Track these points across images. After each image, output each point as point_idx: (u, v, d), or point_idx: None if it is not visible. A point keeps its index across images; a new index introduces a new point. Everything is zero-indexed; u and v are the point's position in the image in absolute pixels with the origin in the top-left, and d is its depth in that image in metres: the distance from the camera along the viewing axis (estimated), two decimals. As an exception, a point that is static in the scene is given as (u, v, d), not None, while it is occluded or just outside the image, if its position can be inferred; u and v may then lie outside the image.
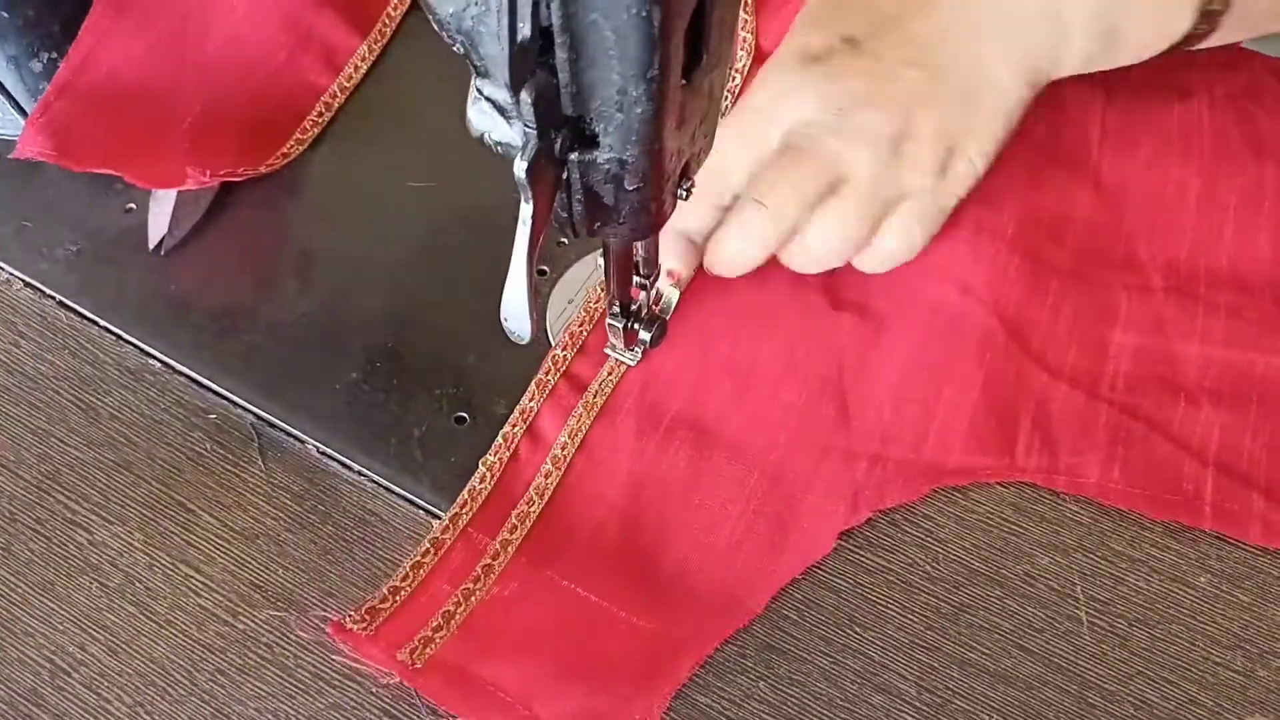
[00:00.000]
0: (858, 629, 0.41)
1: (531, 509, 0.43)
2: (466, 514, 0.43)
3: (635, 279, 0.43)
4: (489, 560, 0.42)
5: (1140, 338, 0.47)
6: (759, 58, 0.56)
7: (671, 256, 0.47)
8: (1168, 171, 0.51)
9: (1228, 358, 0.46)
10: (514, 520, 0.43)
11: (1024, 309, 0.47)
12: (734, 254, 0.46)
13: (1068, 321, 0.47)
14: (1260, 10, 0.47)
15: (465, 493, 0.43)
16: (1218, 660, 0.40)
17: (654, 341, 0.46)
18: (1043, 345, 0.47)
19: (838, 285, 0.48)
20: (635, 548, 0.42)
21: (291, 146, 0.54)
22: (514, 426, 0.45)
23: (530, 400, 0.45)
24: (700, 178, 0.43)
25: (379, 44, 0.58)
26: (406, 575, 0.41)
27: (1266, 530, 0.42)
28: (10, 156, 0.50)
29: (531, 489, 0.43)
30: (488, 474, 0.43)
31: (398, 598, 0.40)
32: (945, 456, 0.44)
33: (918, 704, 0.39)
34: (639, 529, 0.43)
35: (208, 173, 0.50)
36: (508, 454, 0.44)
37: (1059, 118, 0.53)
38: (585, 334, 0.47)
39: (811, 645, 0.40)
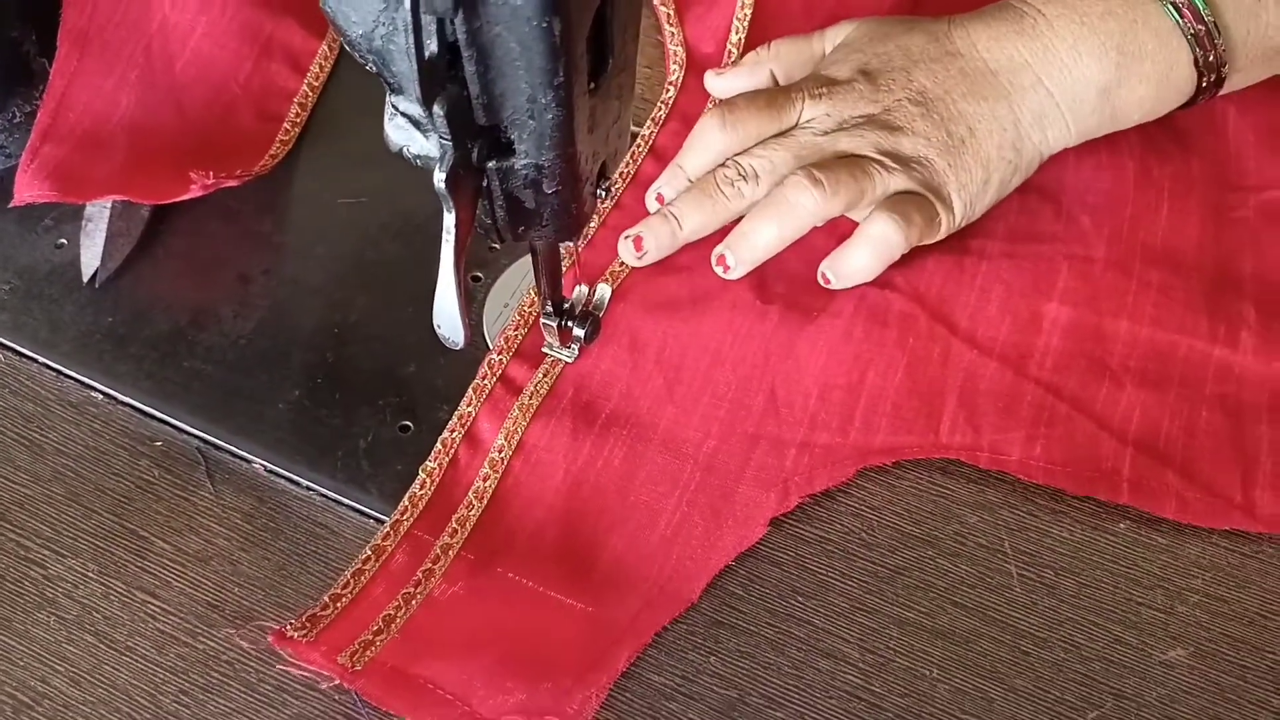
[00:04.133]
0: (800, 598, 0.42)
1: (471, 513, 0.44)
2: (407, 520, 0.43)
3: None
4: (429, 564, 0.42)
5: (1074, 312, 0.48)
6: (692, 65, 0.57)
7: (668, 187, 0.50)
8: (1101, 158, 0.53)
9: (1153, 338, 0.47)
10: (454, 524, 0.43)
11: (947, 292, 0.49)
12: (705, 211, 0.48)
13: (999, 299, 0.48)
14: (1259, 62, 0.50)
15: (406, 499, 0.44)
16: (1140, 600, 0.42)
17: (588, 338, 0.47)
18: (971, 324, 0.48)
19: (766, 280, 0.49)
20: (574, 546, 0.43)
21: (277, 148, 0.55)
22: (452, 432, 0.45)
23: (468, 405, 0.46)
24: (713, 123, 0.48)
25: (339, 42, 0.59)
26: (348, 582, 0.42)
27: (1181, 506, 0.43)
28: (11, 205, 0.50)
29: (471, 493, 0.44)
30: (427, 479, 0.44)
31: (339, 604, 0.41)
32: (871, 438, 0.45)
33: (861, 665, 0.41)
34: (577, 528, 0.44)
35: (210, 174, 0.51)
36: (447, 459, 0.45)
37: None
38: (520, 338, 0.48)
39: (757, 618, 0.42)
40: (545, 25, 0.30)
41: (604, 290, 0.49)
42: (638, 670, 0.41)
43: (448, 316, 0.39)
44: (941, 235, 0.49)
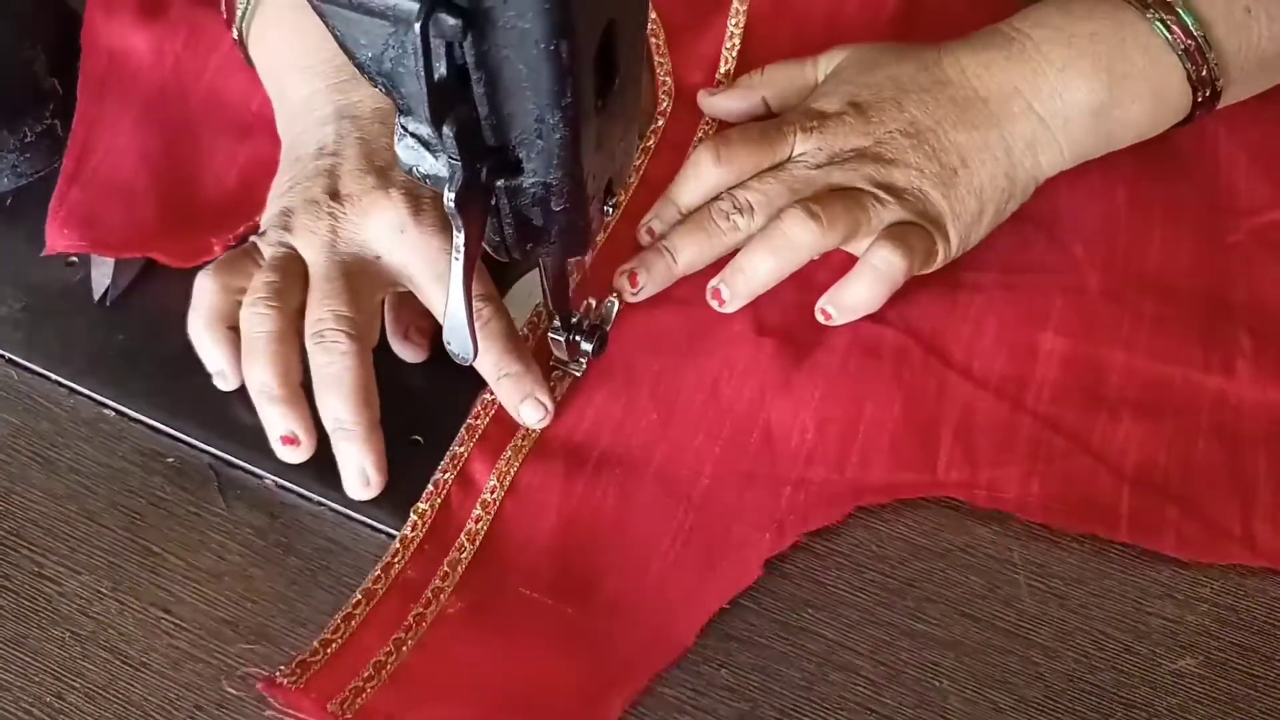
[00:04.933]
0: (811, 611, 0.43)
1: (464, 555, 0.43)
2: (399, 562, 0.43)
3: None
4: (421, 608, 0.42)
5: (1070, 342, 0.48)
6: (681, 95, 0.57)
7: (659, 220, 0.50)
8: (1092, 184, 0.52)
9: (1150, 369, 0.47)
10: (446, 567, 0.43)
11: (941, 325, 0.48)
12: (701, 245, 0.48)
13: (994, 331, 0.48)
14: (1256, 73, 0.49)
15: (397, 541, 0.43)
16: (1149, 609, 0.42)
17: (595, 352, 0.47)
18: (967, 356, 0.48)
19: (761, 313, 0.49)
20: (566, 589, 0.43)
21: None
22: (445, 473, 0.45)
23: (460, 445, 0.46)
24: (706, 158, 0.48)
25: None
26: (338, 627, 0.41)
27: (1180, 542, 0.43)
28: (42, 255, 0.51)
29: (463, 535, 0.44)
30: (419, 521, 0.44)
31: (329, 649, 0.40)
32: (867, 474, 0.45)
33: (872, 677, 0.41)
34: (570, 570, 0.43)
35: (232, 237, 0.52)
36: (439, 500, 0.44)
37: None
38: None
39: (768, 631, 0.42)
40: (553, 48, 0.30)
41: (611, 304, 0.49)
42: (650, 684, 0.41)
43: (457, 333, 0.39)
44: (938, 265, 0.49)
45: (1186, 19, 0.47)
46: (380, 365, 0.48)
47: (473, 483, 0.45)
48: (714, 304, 0.48)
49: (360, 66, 0.33)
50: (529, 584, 0.43)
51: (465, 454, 0.46)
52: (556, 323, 0.46)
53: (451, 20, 0.29)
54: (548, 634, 0.42)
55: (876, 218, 0.47)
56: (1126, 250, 0.51)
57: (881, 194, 0.47)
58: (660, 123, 0.56)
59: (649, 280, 0.48)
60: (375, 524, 0.45)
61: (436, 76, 0.30)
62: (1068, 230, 0.51)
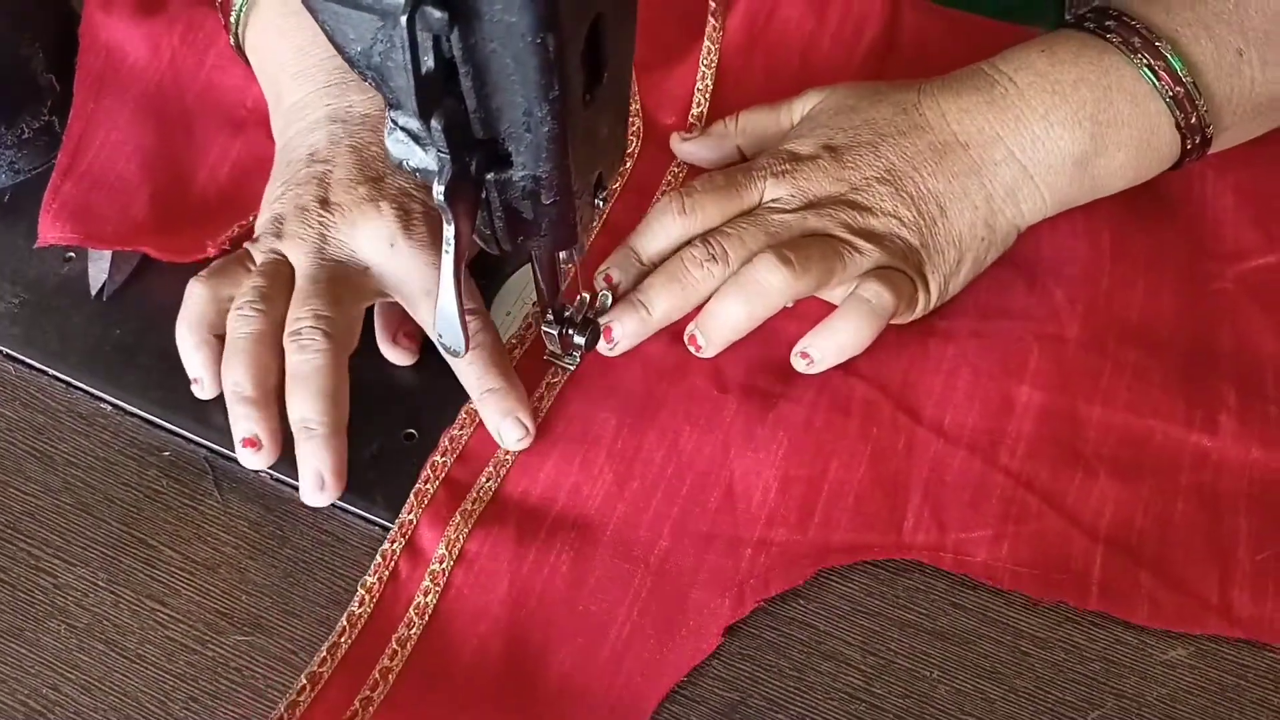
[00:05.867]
0: (801, 601, 0.43)
1: (412, 631, 0.42)
2: (345, 641, 0.41)
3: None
4: (368, 691, 0.40)
5: (1046, 395, 0.46)
6: (650, 136, 0.55)
7: (616, 269, 0.48)
8: (1076, 227, 0.51)
9: (1128, 424, 0.45)
10: (394, 645, 0.41)
11: (912, 377, 0.47)
12: (675, 295, 0.46)
13: (967, 383, 0.47)
14: (1249, 118, 0.48)
15: (344, 618, 0.41)
16: (1139, 600, 0.42)
17: (588, 345, 0.47)
18: (938, 410, 0.46)
19: (723, 366, 0.47)
20: (519, 664, 0.41)
21: None
22: (393, 543, 0.43)
23: (409, 513, 0.44)
24: (671, 209, 0.46)
25: None
26: (281, 716, 0.39)
27: (1154, 610, 0.41)
28: (35, 247, 0.51)
29: (411, 609, 0.42)
30: (366, 596, 0.42)
31: None
32: (831, 534, 0.43)
33: (863, 666, 0.41)
34: (523, 643, 0.41)
35: (225, 240, 0.52)
36: (387, 573, 0.43)
37: None
38: (466, 438, 0.46)
39: (758, 620, 0.42)
40: (539, 41, 0.30)
41: (606, 298, 0.49)
42: (640, 674, 0.41)
43: (449, 326, 0.39)
44: (917, 315, 0.47)
45: (1175, 64, 0.45)
46: (374, 361, 0.49)
47: (421, 552, 0.43)
48: (691, 349, 0.46)
49: (350, 61, 0.33)
50: (480, 662, 0.41)
51: (414, 521, 0.44)
52: (550, 316, 0.46)
53: (438, 14, 0.29)
54: (500, 716, 0.40)
55: (853, 264, 0.45)
56: (1109, 296, 0.49)
57: (858, 240, 0.46)
58: (628, 164, 0.55)
59: (623, 334, 0.46)
60: (369, 516, 0.45)
61: (424, 70, 0.31)
62: (1048, 274, 0.50)
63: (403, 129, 0.34)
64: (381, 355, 0.49)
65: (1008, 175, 0.47)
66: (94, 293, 0.51)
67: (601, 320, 0.47)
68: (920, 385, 0.47)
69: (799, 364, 0.46)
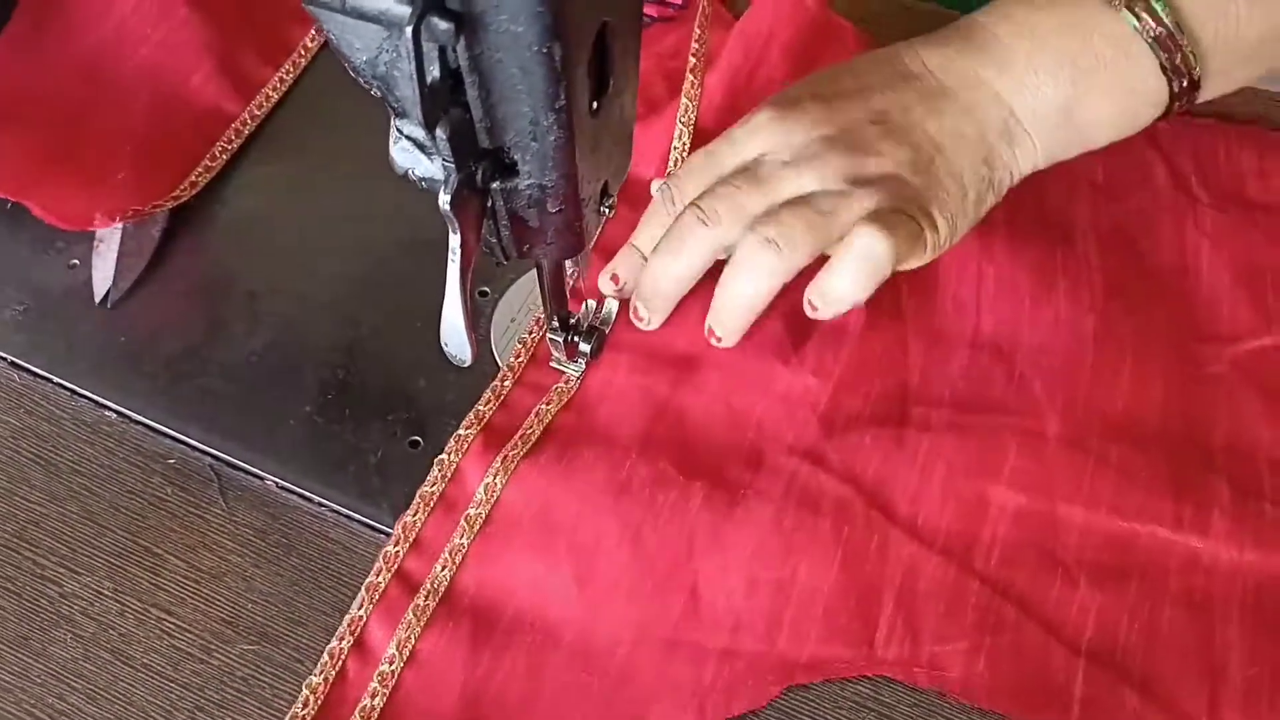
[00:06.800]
0: None
1: None
2: None
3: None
4: None
5: (1023, 497, 0.44)
6: (624, 192, 0.49)
7: (622, 267, 0.48)
8: (1058, 310, 0.48)
9: (1111, 527, 0.43)
10: None
11: (885, 471, 0.44)
12: (669, 267, 0.46)
13: (941, 480, 0.44)
14: (1240, 62, 0.46)
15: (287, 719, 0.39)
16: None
17: (594, 353, 0.47)
18: (912, 509, 0.44)
19: (690, 452, 0.45)
20: None
21: (199, 175, 0.54)
22: (341, 640, 0.41)
23: (360, 608, 0.42)
24: (663, 203, 0.46)
25: (292, 75, 0.59)
26: None
27: None
28: None
29: (357, 713, 0.40)
30: (311, 697, 0.40)
31: None
32: (799, 647, 0.41)
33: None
34: None
35: (117, 217, 0.51)
36: (334, 673, 0.40)
37: (923, 284, 0.50)
38: (419, 525, 0.44)
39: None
40: (545, 51, 0.30)
41: (611, 305, 0.49)
42: (647, 683, 0.41)
43: (455, 335, 0.39)
44: (929, 256, 0.45)
45: (1155, 4, 0.44)
46: (380, 367, 0.49)
47: (370, 651, 0.41)
48: (713, 342, 0.46)
49: (355, 70, 0.33)
50: None
51: (364, 617, 0.42)
52: (555, 323, 0.46)
53: (444, 24, 0.29)
54: None
55: (847, 213, 0.43)
56: (1091, 388, 0.46)
57: (851, 188, 0.44)
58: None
59: (651, 314, 0.47)
60: (375, 524, 0.45)
61: (429, 80, 0.31)
62: (1028, 363, 0.47)
63: (408, 138, 0.34)
64: (383, 361, 0.49)
65: (998, 117, 0.46)
66: (98, 300, 0.51)
67: (609, 268, 0.47)
68: (895, 480, 0.44)
69: (808, 310, 0.45)
